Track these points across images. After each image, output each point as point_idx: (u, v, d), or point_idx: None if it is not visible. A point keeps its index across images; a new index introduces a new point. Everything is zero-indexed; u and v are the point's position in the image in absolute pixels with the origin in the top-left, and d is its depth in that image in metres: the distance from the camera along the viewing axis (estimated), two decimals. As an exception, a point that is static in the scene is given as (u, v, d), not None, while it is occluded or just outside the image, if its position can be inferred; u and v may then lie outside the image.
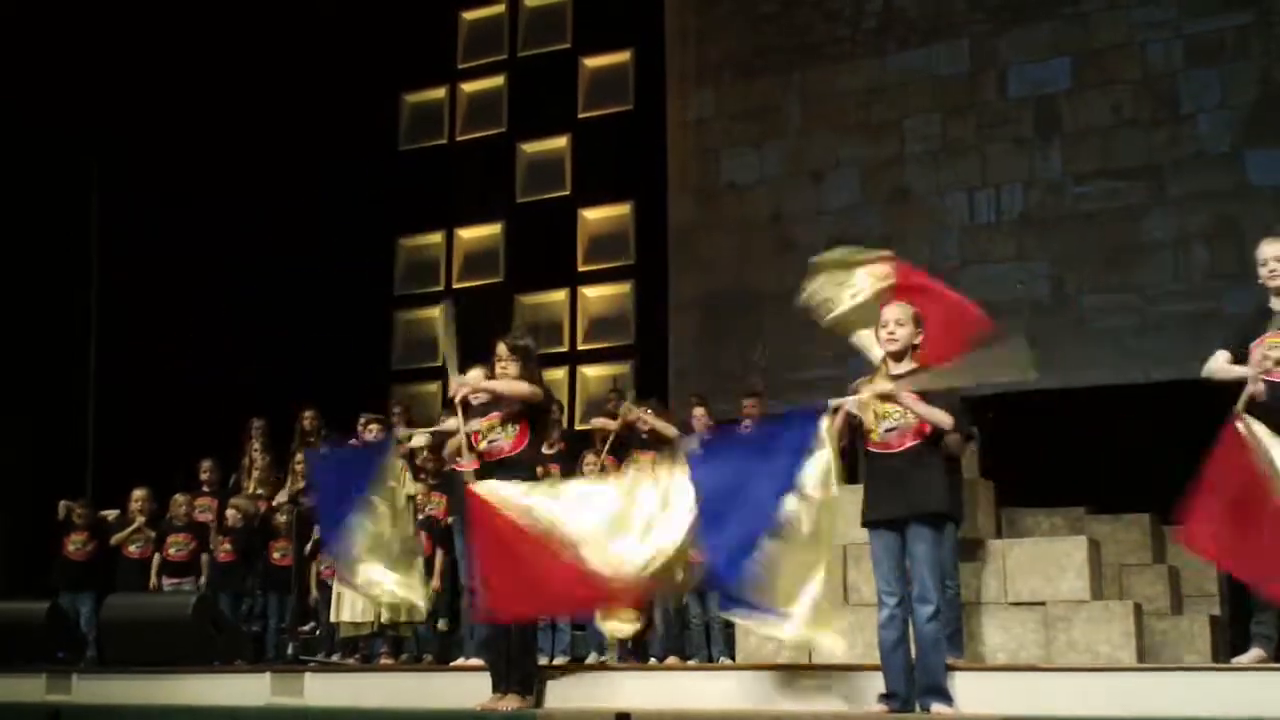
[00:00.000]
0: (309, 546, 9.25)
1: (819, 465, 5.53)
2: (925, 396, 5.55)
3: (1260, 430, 5.52)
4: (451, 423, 6.89)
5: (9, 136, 12.51)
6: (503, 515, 6.08)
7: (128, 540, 10.01)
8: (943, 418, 5.55)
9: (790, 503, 5.52)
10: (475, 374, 6.78)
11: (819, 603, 5.47)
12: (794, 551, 5.51)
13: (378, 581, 6.76)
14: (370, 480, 6.86)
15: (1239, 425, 5.54)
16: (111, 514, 10.35)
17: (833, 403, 5.66)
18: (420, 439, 7.23)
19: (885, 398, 5.61)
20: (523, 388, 6.39)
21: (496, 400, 6.49)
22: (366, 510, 6.76)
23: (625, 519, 6.01)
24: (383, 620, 8.21)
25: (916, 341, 5.77)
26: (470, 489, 6.23)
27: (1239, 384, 5.72)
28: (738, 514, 5.59)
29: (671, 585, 6.23)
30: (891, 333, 5.77)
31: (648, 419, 8.11)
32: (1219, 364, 5.97)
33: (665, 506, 5.99)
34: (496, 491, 6.16)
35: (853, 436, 5.71)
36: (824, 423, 5.59)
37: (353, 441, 8.32)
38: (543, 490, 6.24)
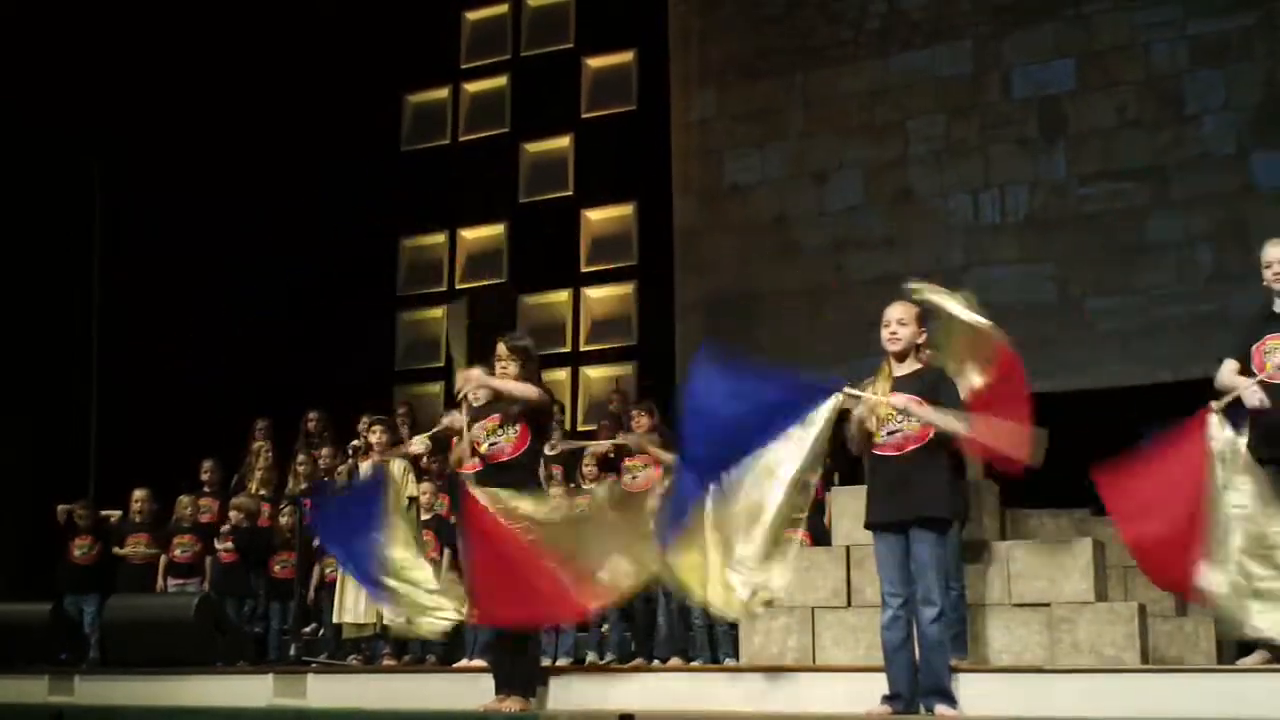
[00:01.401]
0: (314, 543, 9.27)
1: (807, 443, 5.53)
2: (937, 402, 5.56)
3: (1222, 435, 5.60)
4: (450, 419, 6.87)
5: (11, 137, 12.52)
6: (497, 520, 6.08)
7: (130, 554, 10.02)
8: (956, 426, 5.55)
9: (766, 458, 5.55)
10: (478, 371, 6.77)
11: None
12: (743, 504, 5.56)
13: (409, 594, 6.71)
14: (377, 512, 6.85)
15: (1210, 418, 5.64)
16: (114, 514, 10.35)
17: (848, 390, 5.65)
18: (419, 446, 7.21)
19: (900, 410, 5.60)
20: (528, 390, 6.38)
21: (497, 400, 6.48)
22: (386, 534, 6.75)
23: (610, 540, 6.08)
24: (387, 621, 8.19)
25: (919, 341, 5.76)
26: (469, 491, 6.22)
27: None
28: (721, 438, 5.63)
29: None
30: (894, 332, 5.75)
31: (646, 448, 8.04)
32: (1223, 375, 6.01)
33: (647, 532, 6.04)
34: (494, 497, 6.16)
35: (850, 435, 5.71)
36: (831, 402, 5.58)
37: (347, 465, 8.31)
38: (540, 503, 6.25)
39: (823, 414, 5.57)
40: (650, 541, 5.92)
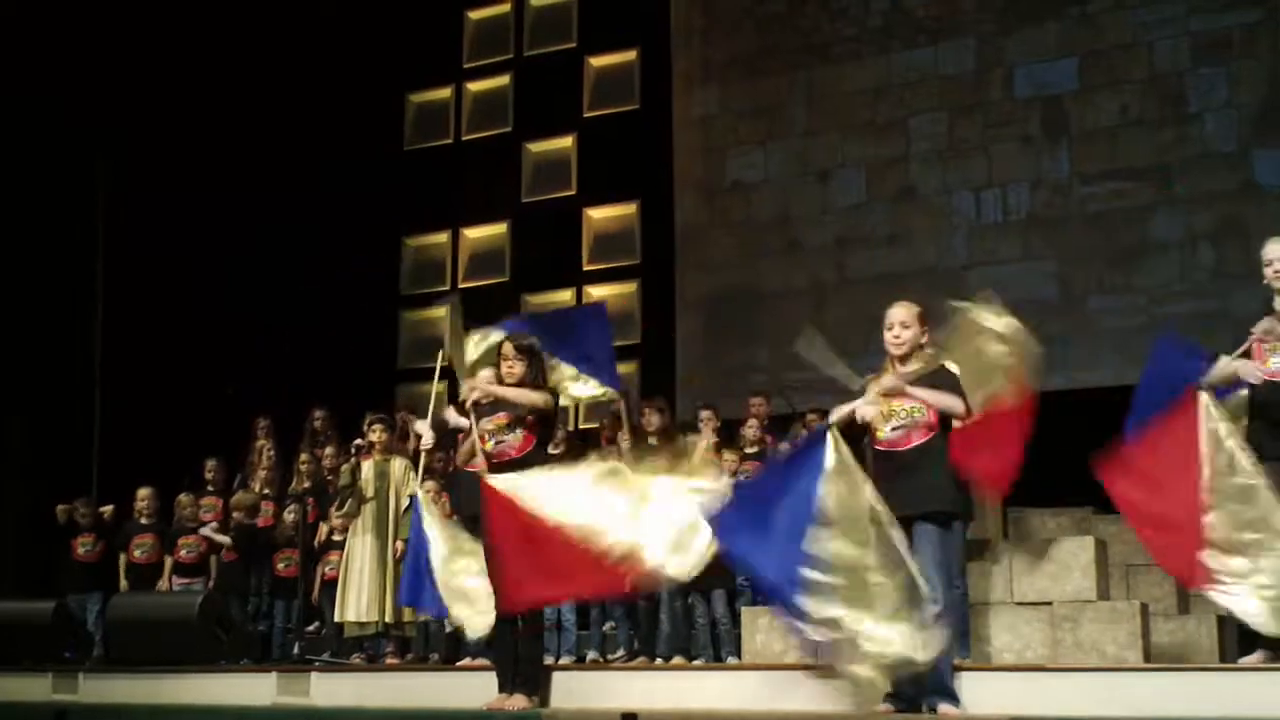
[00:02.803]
0: (316, 539, 9.29)
1: (833, 486, 5.47)
2: (932, 384, 5.57)
3: (1218, 412, 5.63)
4: (452, 414, 6.89)
5: (16, 136, 12.54)
6: (518, 504, 6.10)
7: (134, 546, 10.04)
8: (954, 403, 5.56)
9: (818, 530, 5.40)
10: (485, 374, 6.78)
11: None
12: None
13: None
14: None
15: (1203, 396, 5.66)
16: (106, 509, 10.37)
17: (832, 419, 5.66)
18: (427, 436, 7.22)
19: (892, 394, 5.61)
20: (534, 398, 6.39)
21: (505, 402, 6.49)
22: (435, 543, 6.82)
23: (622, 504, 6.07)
24: (389, 619, 8.20)
25: (922, 341, 5.77)
26: (485, 481, 6.23)
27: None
28: (771, 553, 5.46)
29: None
30: (896, 335, 5.76)
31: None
32: (1217, 366, 6.00)
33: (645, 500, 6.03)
34: (511, 482, 6.18)
35: (858, 434, 5.71)
36: (828, 442, 5.54)
37: (351, 465, 8.34)
38: (554, 479, 6.26)
39: (829, 453, 5.51)
40: (698, 533, 5.89)
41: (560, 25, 13.86)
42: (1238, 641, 6.51)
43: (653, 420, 8.07)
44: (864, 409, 5.62)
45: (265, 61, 13.26)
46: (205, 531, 9.85)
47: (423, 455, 7.51)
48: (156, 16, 13.09)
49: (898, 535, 5.32)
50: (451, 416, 6.91)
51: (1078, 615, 6.52)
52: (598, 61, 13.63)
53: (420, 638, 8.59)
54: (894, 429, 5.63)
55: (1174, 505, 5.67)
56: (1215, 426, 5.66)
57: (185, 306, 12.93)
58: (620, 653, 8.24)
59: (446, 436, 7.45)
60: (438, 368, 7.44)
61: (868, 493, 5.41)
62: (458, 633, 7.41)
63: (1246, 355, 6.00)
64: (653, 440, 8.19)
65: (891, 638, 5.20)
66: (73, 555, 10.13)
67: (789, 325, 11.75)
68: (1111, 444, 5.91)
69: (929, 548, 5.51)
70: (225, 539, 9.76)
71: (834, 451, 5.48)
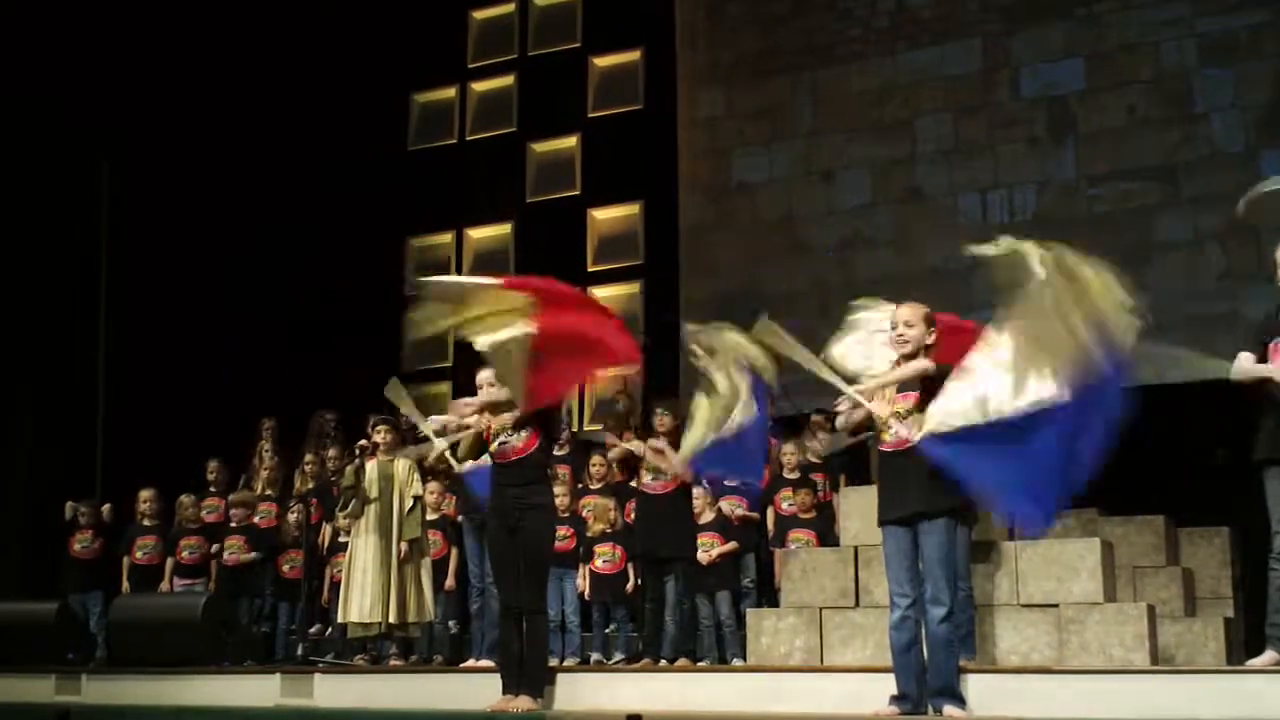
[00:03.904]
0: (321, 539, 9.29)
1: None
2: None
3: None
4: (459, 417, 6.88)
5: (21, 136, 12.54)
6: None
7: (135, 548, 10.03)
8: (918, 365, 5.61)
9: None
10: (485, 375, 6.77)
11: None
12: None
13: None
14: None
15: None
16: (105, 508, 10.37)
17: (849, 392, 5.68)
18: (436, 441, 7.21)
19: (872, 391, 5.65)
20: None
21: (510, 403, 6.49)
22: None
23: None
24: (393, 620, 8.19)
25: (929, 341, 5.73)
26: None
27: (1258, 385, 5.74)
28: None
29: None
30: (901, 335, 5.74)
31: (655, 461, 7.95)
32: (1243, 365, 5.96)
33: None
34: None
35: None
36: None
37: (355, 465, 8.30)
38: None
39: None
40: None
41: (565, 25, 13.85)
42: (1244, 643, 6.50)
43: (665, 421, 8.04)
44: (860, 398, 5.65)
45: (269, 61, 13.26)
46: (229, 558, 9.82)
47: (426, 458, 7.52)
48: (160, 16, 13.08)
49: None
50: (453, 420, 6.90)
51: (1084, 617, 6.50)
52: (602, 62, 13.62)
53: (424, 639, 8.59)
54: (897, 431, 5.61)
55: None
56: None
57: (189, 307, 12.93)
58: (619, 656, 8.24)
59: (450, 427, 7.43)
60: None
61: None
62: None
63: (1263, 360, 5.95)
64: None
65: None
66: (69, 552, 10.13)
67: (794, 326, 11.80)
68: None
69: (935, 548, 5.50)
70: (251, 555, 9.78)
71: None
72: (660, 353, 12.52)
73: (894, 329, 5.75)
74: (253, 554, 9.77)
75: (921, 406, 5.54)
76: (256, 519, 9.93)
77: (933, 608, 5.47)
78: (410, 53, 13.98)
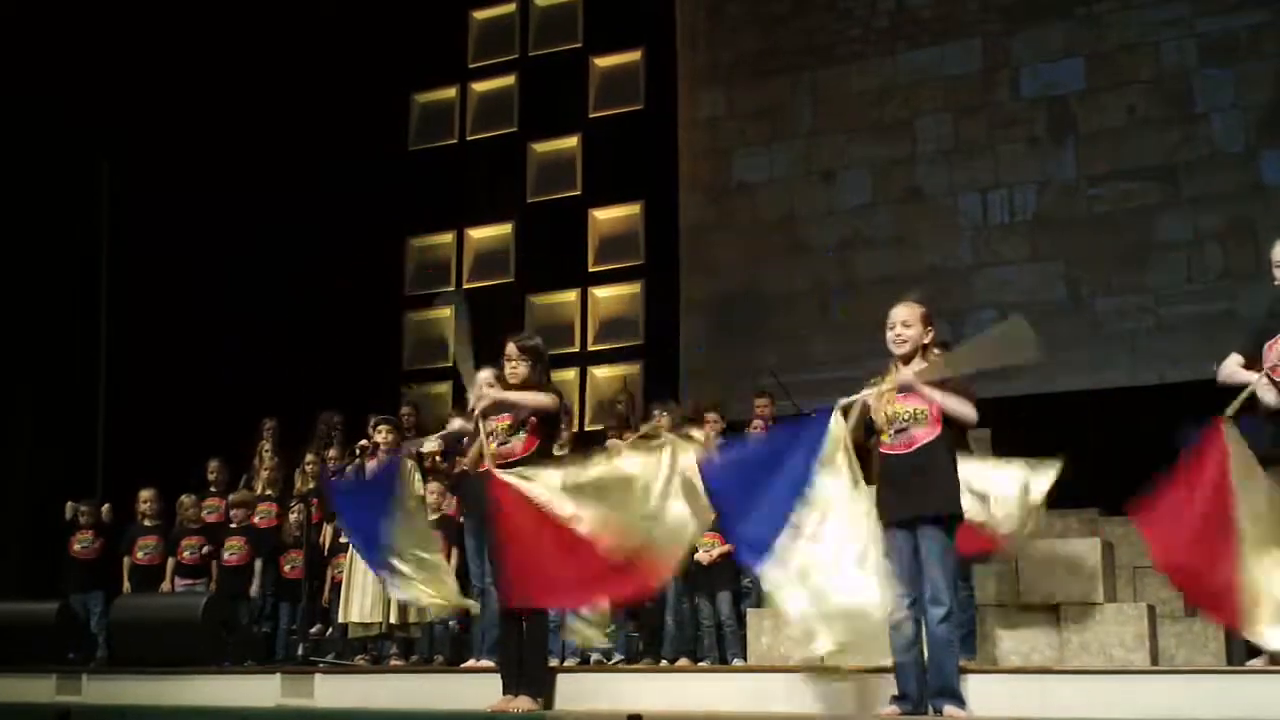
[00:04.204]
0: (323, 540, 9.28)
1: (831, 466, 5.48)
2: (942, 385, 5.54)
3: (1238, 439, 5.46)
4: (457, 423, 6.87)
5: (21, 136, 12.54)
6: (528, 499, 6.09)
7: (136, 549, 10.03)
8: (966, 411, 5.53)
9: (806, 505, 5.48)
10: (485, 375, 6.77)
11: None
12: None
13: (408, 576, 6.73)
14: (392, 495, 6.86)
15: (1224, 428, 5.49)
16: (105, 508, 10.37)
17: (842, 401, 5.64)
18: (431, 444, 7.21)
19: (903, 389, 5.58)
20: (540, 400, 6.39)
21: (509, 404, 6.48)
22: (398, 516, 6.77)
23: (634, 498, 6.08)
24: (393, 620, 8.19)
25: (926, 341, 5.73)
26: (495, 475, 6.21)
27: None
28: (756, 514, 5.57)
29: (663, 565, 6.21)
30: (899, 334, 5.73)
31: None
32: (1228, 368, 5.93)
33: (670, 493, 6.02)
34: (520, 476, 6.17)
35: (866, 434, 5.68)
36: (833, 419, 5.56)
37: (354, 464, 8.29)
38: (564, 478, 6.23)
39: (832, 434, 5.54)
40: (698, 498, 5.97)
41: (565, 25, 13.85)
42: (1244, 644, 6.49)
43: (664, 421, 8.03)
44: (867, 395, 5.62)
45: (269, 61, 13.26)
46: (229, 558, 9.82)
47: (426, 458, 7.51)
48: (160, 16, 13.08)
49: (878, 536, 5.40)
50: (459, 423, 6.90)
51: (1085, 617, 6.50)
52: (603, 62, 13.62)
53: (425, 639, 8.58)
54: (897, 431, 5.61)
55: (1208, 547, 5.45)
56: (1244, 459, 5.45)
57: (189, 307, 12.93)
58: (619, 657, 8.23)
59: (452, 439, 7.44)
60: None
61: (859, 487, 5.47)
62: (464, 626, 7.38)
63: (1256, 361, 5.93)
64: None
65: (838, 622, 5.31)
66: (70, 552, 10.13)
67: (794, 326, 11.83)
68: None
69: (936, 549, 5.49)
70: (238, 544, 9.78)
71: (835, 430, 5.51)
72: (660, 353, 12.59)
73: (891, 329, 5.75)
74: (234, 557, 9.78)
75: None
76: (257, 519, 9.93)
77: (933, 608, 5.47)
78: (410, 53, 13.99)
